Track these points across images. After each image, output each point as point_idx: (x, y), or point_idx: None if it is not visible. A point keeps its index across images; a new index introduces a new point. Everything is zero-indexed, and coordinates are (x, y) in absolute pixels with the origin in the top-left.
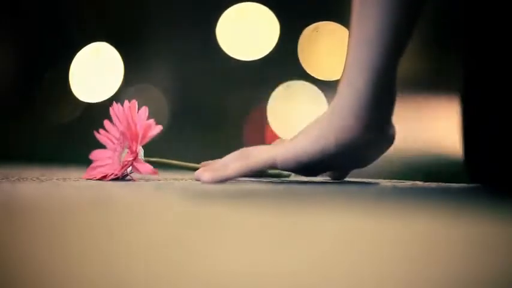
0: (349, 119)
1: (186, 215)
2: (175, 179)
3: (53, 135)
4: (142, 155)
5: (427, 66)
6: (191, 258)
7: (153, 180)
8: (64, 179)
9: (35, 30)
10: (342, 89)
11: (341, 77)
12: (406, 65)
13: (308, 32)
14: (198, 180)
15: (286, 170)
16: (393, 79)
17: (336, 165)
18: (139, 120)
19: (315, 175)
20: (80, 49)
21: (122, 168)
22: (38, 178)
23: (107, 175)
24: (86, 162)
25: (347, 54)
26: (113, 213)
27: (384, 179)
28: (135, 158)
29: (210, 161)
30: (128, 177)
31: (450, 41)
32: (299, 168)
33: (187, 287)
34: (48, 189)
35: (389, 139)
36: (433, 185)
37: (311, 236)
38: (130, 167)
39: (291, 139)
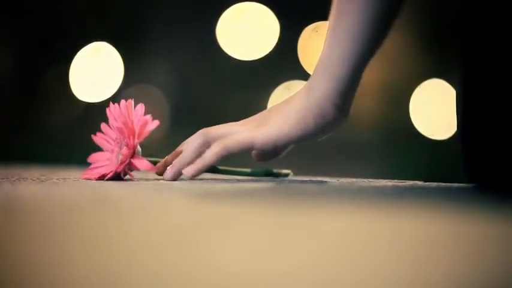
0: (328, 106)
1: (186, 214)
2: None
3: (53, 135)
4: (140, 152)
5: (426, 65)
6: (191, 258)
7: (152, 180)
8: (64, 179)
9: (35, 30)
10: (320, 77)
11: (318, 66)
12: (405, 64)
13: (308, 31)
14: (170, 179)
15: (261, 150)
16: (364, 70)
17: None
18: (135, 116)
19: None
20: (80, 49)
21: (120, 165)
22: (38, 178)
23: (105, 174)
24: (86, 162)
25: (328, 45)
26: (113, 213)
27: (384, 178)
28: (133, 155)
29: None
30: (127, 177)
31: (450, 40)
32: (273, 149)
33: (188, 287)
34: (48, 189)
35: (347, 118)
36: (433, 184)
37: (311, 236)
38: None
39: (264, 118)
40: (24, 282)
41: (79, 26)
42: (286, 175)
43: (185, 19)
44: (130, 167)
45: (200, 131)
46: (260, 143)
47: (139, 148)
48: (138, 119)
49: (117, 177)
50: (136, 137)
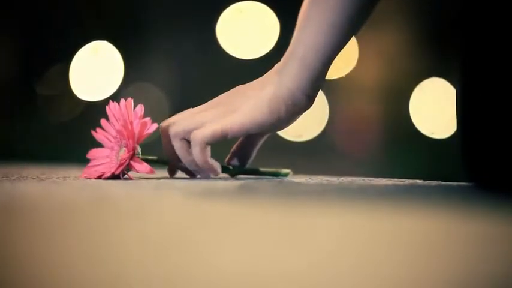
0: (300, 96)
1: (185, 213)
2: (175, 178)
3: (53, 134)
4: (140, 152)
5: (426, 64)
6: (191, 258)
7: (152, 179)
8: (64, 178)
9: (34, 29)
10: (293, 66)
11: (292, 53)
12: (405, 63)
13: None
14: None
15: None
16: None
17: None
18: (135, 118)
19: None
20: (80, 48)
21: (119, 166)
22: (37, 177)
23: (104, 174)
24: (86, 161)
25: (303, 34)
26: (113, 213)
27: (384, 177)
28: (132, 157)
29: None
30: (126, 176)
31: (449, 40)
32: (245, 137)
33: (189, 286)
34: (48, 188)
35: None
36: (433, 183)
37: (311, 235)
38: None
39: (231, 103)
40: (23, 281)
41: (79, 25)
42: (286, 174)
43: (185, 18)
44: (129, 169)
45: (166, 128)
46: (234, 131)
47: (139, 149)
48: (138, 121)
49: (116, 176)
50: (135, 139)
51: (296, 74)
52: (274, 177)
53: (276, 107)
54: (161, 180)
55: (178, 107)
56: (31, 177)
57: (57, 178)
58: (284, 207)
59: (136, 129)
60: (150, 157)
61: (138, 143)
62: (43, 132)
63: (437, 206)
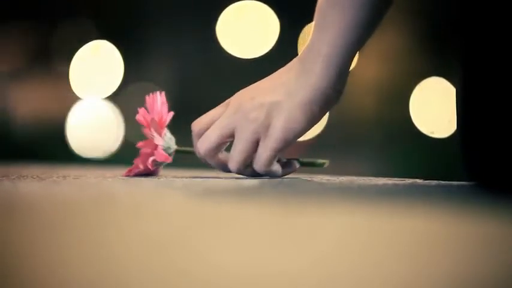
0: (332, 94)
1: (186, 213)
2: (175, 178)
3: (53, 133)
4: (170, 148)
5: (426, 63)
6: (192, 257)
7: (153, 178)
8: (64, 177)
9: (34, 29)
10: (322, 67)
11: (319, 54)
12: (405, 63)
13: (308, 29)
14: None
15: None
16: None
17: None
18: (155, 113)
19: None
20: (80, 47)
21: (146, 169)
22: (38, 176)
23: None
24: (86, 160)
25: (326, 36)
26: (113, 211)
27: (384, 177)
28: (156, 148)
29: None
30: (129, 174)
31: (449, 39)
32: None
33: (188, 286)
34: (48, 187)
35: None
36: (433, 183)
37: (311, 235)
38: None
39: (264, 114)
40: (23, 281)
41: (79, 25)
42: (323, 164)
43: (185, 18)
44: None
45: (199, 131)
46: (282, 149)
47: (173, 141)
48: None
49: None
50: (156, 133)
51: (323, 72)
52: (311, 167)
53: (310, 111)
54: (161, 180)
55: (178, 107)
56: (31, 177)
57: (57, 177)
58: (284, 207)
59: (154, 125)
60: (187, 148)
61: (161, 136)
62: (43, 131)
63: (437, 205)
